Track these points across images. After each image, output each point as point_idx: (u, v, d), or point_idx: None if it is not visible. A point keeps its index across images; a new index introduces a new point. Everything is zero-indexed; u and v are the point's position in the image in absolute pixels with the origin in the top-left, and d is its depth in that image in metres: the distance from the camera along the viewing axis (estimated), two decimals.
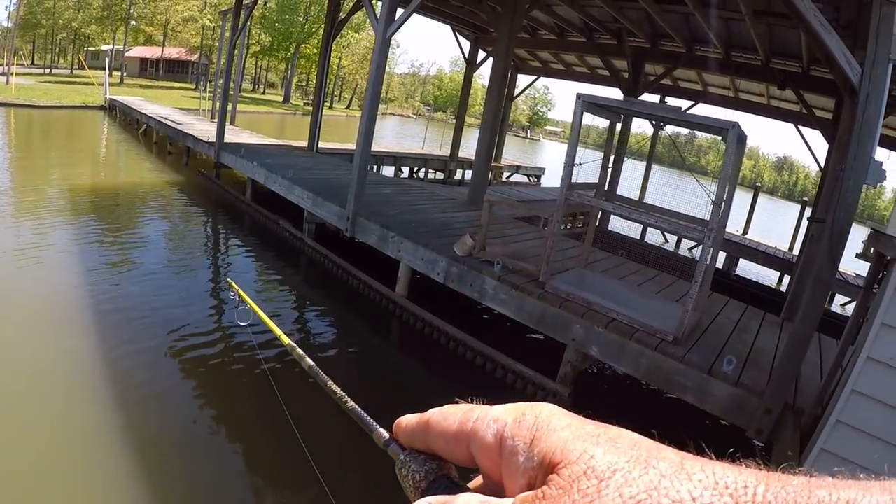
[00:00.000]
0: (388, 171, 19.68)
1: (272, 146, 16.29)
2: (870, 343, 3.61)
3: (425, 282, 8.08)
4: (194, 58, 53.95)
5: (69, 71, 50.12)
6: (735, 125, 5.23)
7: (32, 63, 55.83)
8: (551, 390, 6.55)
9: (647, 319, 6.02)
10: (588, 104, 6.25)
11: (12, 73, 31.75)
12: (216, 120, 21.41)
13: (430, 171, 21.15)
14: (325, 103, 66.03)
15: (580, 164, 6.24)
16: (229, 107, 22.91)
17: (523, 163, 25.90)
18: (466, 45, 17.81)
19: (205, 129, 17.74)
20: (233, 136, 16.93)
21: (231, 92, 19.20)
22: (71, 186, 13.45)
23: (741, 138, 5.75)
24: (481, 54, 17.78)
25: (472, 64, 17.85)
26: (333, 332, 8.01)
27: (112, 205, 12.61)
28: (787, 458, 4.22)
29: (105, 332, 6.40)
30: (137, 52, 54.76)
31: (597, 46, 15.19)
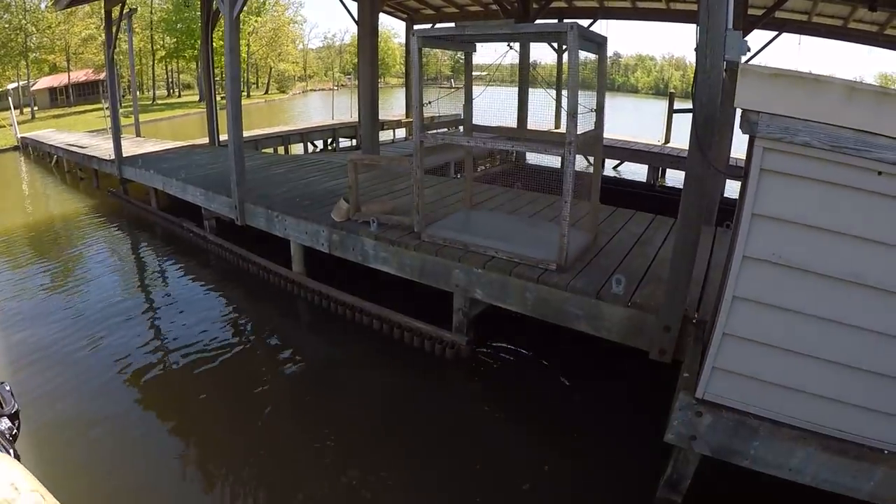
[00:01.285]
0: (298, 148, 18.99)
1: (173, 150, 15.37)
2: (743, 239, 3.07)
3: (319, 255, 7.55)
4: (102, 76, 51.35)
5: None
6: (574, 26, 4.60)
7: None
8: (448, 341, 6.07)
9: (529, 251, 5.50)
10: (425, 38, 5.70)
11: None
12: (123, 136, 20.53)
13: (340, 139, 20.36)
14: (242, 92, 64.35)
15: (429, 102, 5.77)
16: (131, 119, 22.12)
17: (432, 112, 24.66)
18: (354, 6, 16.91)
19: (109, 148, 16.80)
20: (135, 148, 15.99)
21: (129, 104, 18.22)
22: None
23: (590, 38, 5.25)
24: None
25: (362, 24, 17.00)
26: (245, 322, 7.40)
27: (26, 244, 11.70)
28: (686, 380, 3.69)
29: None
30: (44, 82, 51.69)
31: None
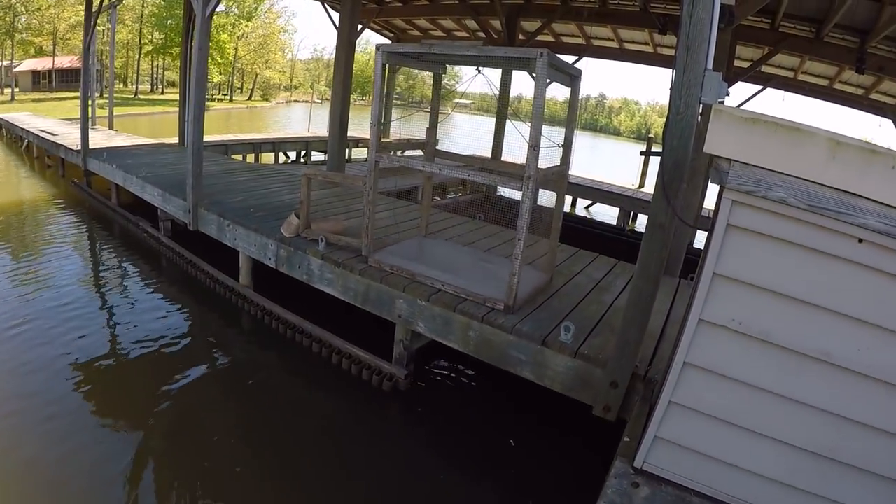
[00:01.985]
0: (268, 157, 18.47)
1: (142, 146, 14.75)
2: (700, 300, 2.66)
3: (268, 268, 6.99)
4: (92, 65, 50.32)
5: None
6: (544, 53, 4.21)
7: None
8: (387, 373, 5.57)
9: (477, 287, 5.06)
10: (389, 54, 5.29)
11: None
12: (97, 127, 19.90)
13: (313, 152, 19.78)
14: (225, 96, 63.92)
15: (384, 123, 5.38)
16: (105, 112, 21.47)
17: (414, 136, 24.26)
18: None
19: (78, 138, 16.21)
20: (105, 140, 15.42)
21: (105, 96, 17.62)
22: None
23: (561, 68, 4.86)
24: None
25: (340, 38, 16.69)
26: (186, 329, 6.80)
27: None
28: (626, 445, 3.36)
29: None
30: (28, 65, 50.48)
31: (469, 7, 14.25)
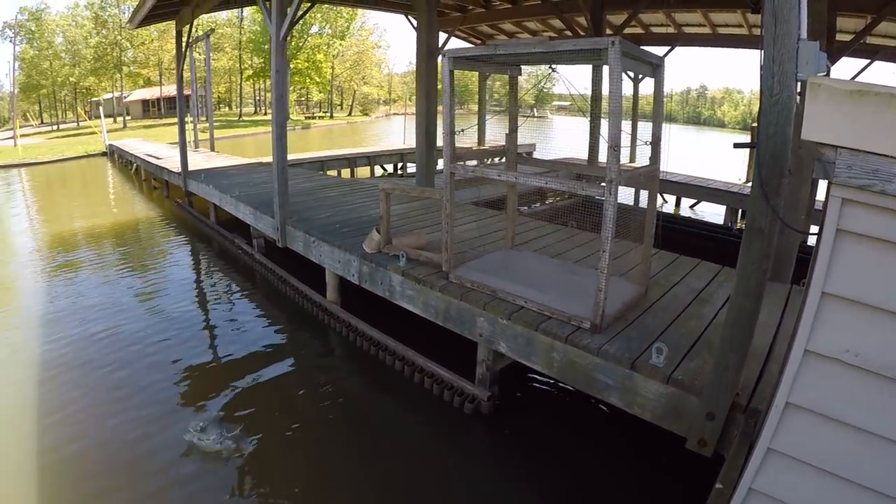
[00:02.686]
0: (364, 171, 18.78)
1: (239, 166, 15.44)
2: (807, 326, 2.20)
3: (353, 284, 7.02)
4: (190, 91, 53.64)
5: (76, 124, 50.32)
6: (615, 41, 3.83)
7: (41, 122, 56.48)
8: (469, 394, 5.39)
9: (562, 304, 4.71)
10: (455, 59, 5.13)
11: (18, 136, 32.24)
12: (199, 150, 21.04)
13: (409, 164, 19.83)
14: (325, 113, 66.43)
15: (462, 130, 5.23)
16: (219, 133, 22.62)
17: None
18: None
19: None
20: (205, 162, 16.26)
21: (203, 119, 18.58)
22: (63, 235, 13.43)
23: (639, 57, 4.46)
24: (443, 37, 16.64)
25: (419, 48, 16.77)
26: (277, 345, 7.05)
27: (101, 252, 12.10)
28: (717, 494, 2.84)
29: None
30: (138, 94, 54.85)
31: (553, 6, 13.95)
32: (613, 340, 4.33)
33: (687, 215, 15.97)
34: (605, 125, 4.20)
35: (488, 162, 9.83)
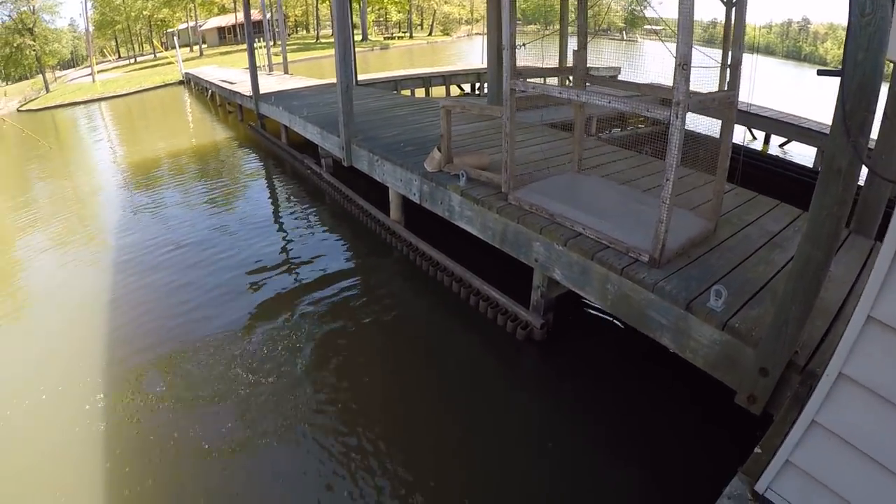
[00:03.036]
0: (439, 91, 18.35)
1: (310, 87, 15.43)
2: (873, 290, 1.95)
3: (415, 204, 6.99)
4: (268, 15, 53.91)
5: (153, 56, 51.50)
6: None
7: (118, 57, 58.06)
8: (523, 320, 5.33)
9: (621, 233, 4.46)
10: None
11: (96, 72, 33.56)
12: (273, 73, 21.21)
13: (486, 84, 19.17)
14: (405, 33, 65.54)
15: (523, 45, 4.97)
16: (294, 57, 22.73)
17: (596, 64, 22.63)
18: None
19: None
20: (278, 85, 16.34)
21: (292, 43, 18.62)
22: (144, 160, 14.39)
23: None
24: None
25: None
26: (342, 263, 7.33)
27: (180, 171, 13.06)
28: (754, 460, 2.70)
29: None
30: (213, 22, 55.42)
31: None
32: (671, 277, 4.05)
33: (775, 154, 15.09)
34: (702, 51, 3.91)
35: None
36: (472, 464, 4.07)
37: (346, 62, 7.98)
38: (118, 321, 6.10)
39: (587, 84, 5.72)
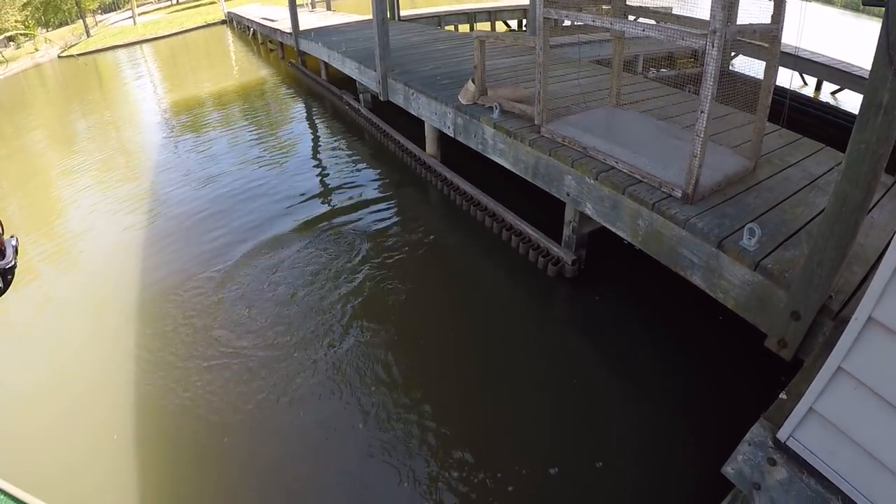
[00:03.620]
0: (484, 27, 17.84)
1: (351, 23, 15.18)
2: None
3: (451, 138, 6.96)
4: None
5: None
6: None
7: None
8: (554, 256, 5.29)
9: (655, 168, 4.33)
10: None
11: (137, 14, 33.70)
12: (316, 10, 20.97)
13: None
14: None
15: None
16: None
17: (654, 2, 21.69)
18: None
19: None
20: (320, 21, 16.18)
21: None
22: (185, 99, 14.68)
23: None
24: None
25: None
26: (382, 200, 7.30)
27: (221, 108, 13.14)
28: (778, 406, 2.63)
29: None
30: None
31: None
32: (704, 214, 3.93)
33: (826, 101, 14.44)
34: None
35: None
36: (500, 399, 4.12)
37: None
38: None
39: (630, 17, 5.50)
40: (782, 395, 2.69)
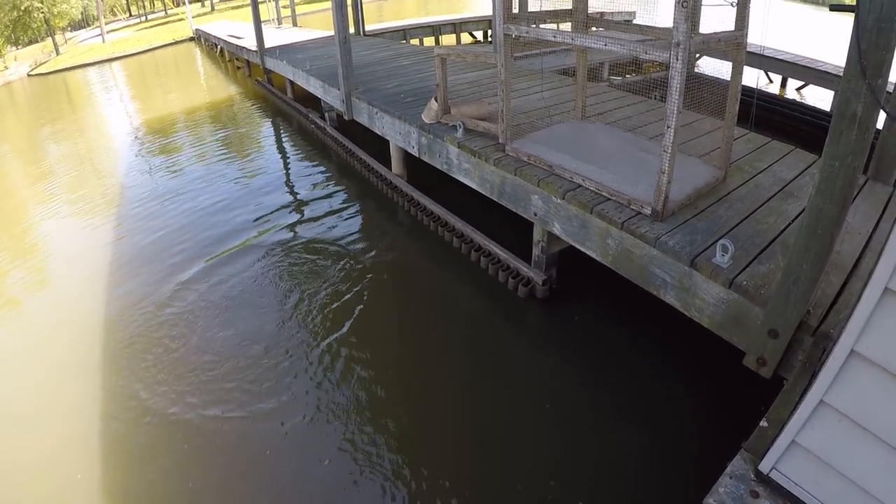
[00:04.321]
0: (450, 40, 17.79)
1: (316, 40, 14.97)
2: (892, 258, 1.70)
3: (417, 158, 6.69)
4: None
5: (164, 13, 50.78)
6: None
7: (130, 15, 57.28)
8: (525, 276, 5.12)
9: (623, 184, 4.19)
10: None
11: (106, 32, 33.39)
12: (282, 27, 20.74)
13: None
14: None
15: None
16: (302, 9, 22.17)
17: (610, 10, 21.82)
18: None
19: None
20: (286, 38, 15.99)
21: None
22: (155, 118, 14.38)
23: None
24: None
25: None
26: (349, 221, 7.07)
27: (194, 127, 12.96)
28: (759, 434, 2.51)
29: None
30: None
31: None
32: (675, 231, 3.78)
33: (792, 98, 14.48)
34: None
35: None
36: (470, 423, 3.95)
37: (341, 11, 7.61)
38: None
39: (592, 28, 5.36)
40: (763, 423, 2.57)
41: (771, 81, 15.11)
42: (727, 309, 3.35)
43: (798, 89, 15.26)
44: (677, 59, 3.46)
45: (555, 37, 4.41)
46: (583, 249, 4.41)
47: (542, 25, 4.65)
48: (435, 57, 5.75)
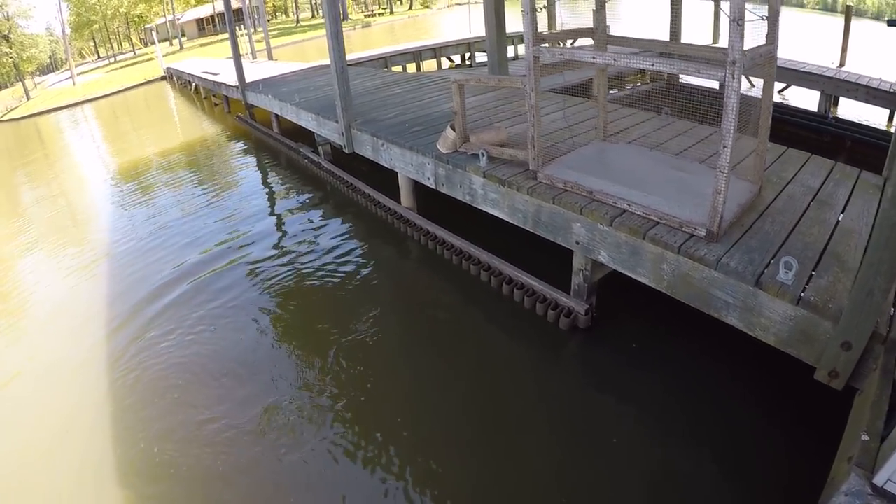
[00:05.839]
0: (430, 65, 17.65)
1: (297, 72, 14.70)
2: None
3: (428, 189, 6.44)
4: (246, 2, 52.64)
5: (132, 53, 50.29)
6: None
7: (98, 57, 56.84)
8: (564, 307, 4.88)
9: (672, 207, 4.02)
10: None
11: (76, 74, 33.07)
12: (257, 60, 20.47)
13: (477, 54, 17.85)
14: (385, 9, 64.16)
15: (542, 7, 4.43)
16: (277, 41, 21.90)
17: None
18: None
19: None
20: (264, 71, 15.70)
21: (273, 28, 17.88)
22: (131, 161, 13.89)
23: None
24: None
25: None
26: (355, 255, 6.75)
27: (169, 171, 12.36)
28: (863, 449, 2.45)
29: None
30: (191, 14, 54.14)
31: None
32: (733, 252, 3.66)
33: (777, 100, 14.56)
34: None
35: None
36: (526, 467, 3.68)
37: (338, 39, 7.34)
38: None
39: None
40: (864, 437, 2.53)
41: (753, 86, 15.20)
42: (795, 325, 3.27)
43: (780, 91, 15.37)
44: (733, 78, 3.35)
45: (595, 59, 4.20)
46: (633, 276, 4.22)
47: (566, 45, 4.42)
48: (452, 83, 5.50)
